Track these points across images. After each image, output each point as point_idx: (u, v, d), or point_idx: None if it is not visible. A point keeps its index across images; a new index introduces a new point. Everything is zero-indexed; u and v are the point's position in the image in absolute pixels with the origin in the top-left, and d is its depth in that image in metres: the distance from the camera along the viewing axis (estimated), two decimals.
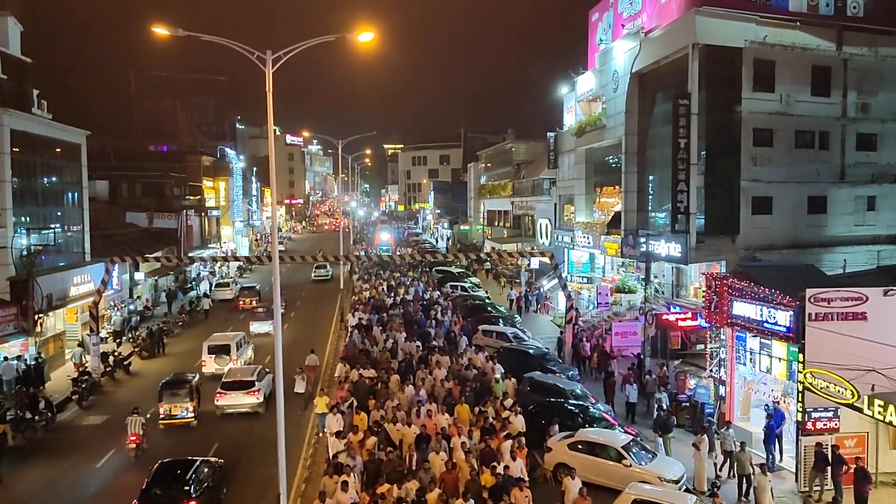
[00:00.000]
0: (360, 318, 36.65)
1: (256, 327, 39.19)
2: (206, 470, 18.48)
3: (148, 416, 24.45)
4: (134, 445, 22.20)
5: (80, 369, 30.20)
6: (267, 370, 27.46)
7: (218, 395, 25.88)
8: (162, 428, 24.67)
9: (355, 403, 22.74)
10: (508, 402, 23.28)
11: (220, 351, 30.90)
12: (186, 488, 17.20)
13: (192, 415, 25.07)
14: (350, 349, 30.33)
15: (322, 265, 58.73)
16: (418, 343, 31.42)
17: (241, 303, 48.76)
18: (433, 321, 37.12)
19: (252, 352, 33.64)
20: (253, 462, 21.71)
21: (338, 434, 19.83)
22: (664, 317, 29.72)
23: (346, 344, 31.92)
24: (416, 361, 28.38)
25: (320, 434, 22.78)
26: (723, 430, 21.09)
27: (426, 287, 49.33)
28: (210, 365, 30.60)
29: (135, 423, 22.39)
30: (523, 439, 19.97)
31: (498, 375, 26.49)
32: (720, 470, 20.76)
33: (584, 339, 33.24)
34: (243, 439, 23.93)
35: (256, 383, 26.14)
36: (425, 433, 20.00)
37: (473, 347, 31.16)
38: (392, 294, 46.82)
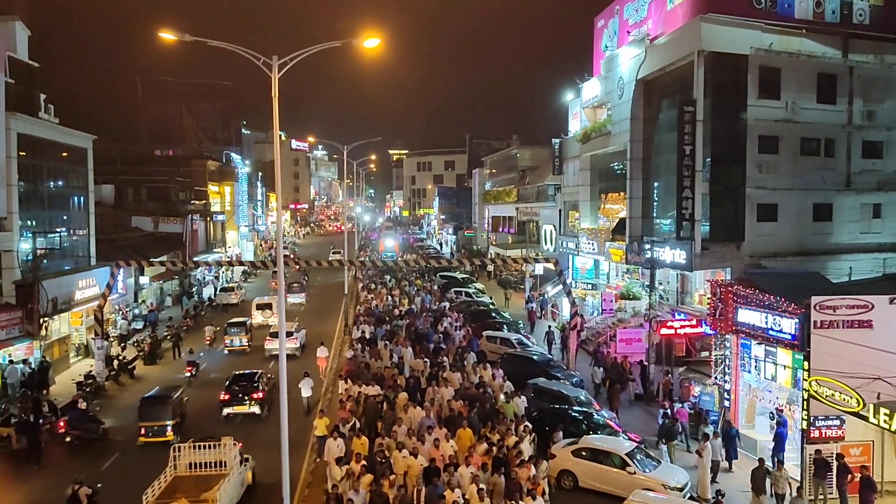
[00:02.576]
0: (363, 331, 34.83)
1: (291, 298, 48.23)
2: (264, 379, 27.17)
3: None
4: (209, 342, 37.79)
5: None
6: (302, 327, 38.50)
7: (267, 340, 35.62)
8: (227, 353, 36.44)
9: (358, 426, 21.10)
10: (525, 428, 20.65)
11: (265, 307, 42.75)
12: (255, 385, 26.35)
13: (247, 344, 37.01)
14: (353, 364, 28.69)
15: (337, 250, 69.03)
16: (426, 359, 28.89)
17: (273, 284, 52.96)
18: (441, 335, 34.71)
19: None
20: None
21: (338, 461, 18.19)
22: (662, 329, 29.34)
23: (349, 358, 30.37)
24: (424, 379, 26.18)
25: (318, 459, 21.34)
26: (774, 469, 19.11)
27: (432, 297, 47.12)
28: (257, 317, 42.09)
29: (210, 330, 38.52)
30: (545, 465, 18.87)
31: (503, 396, 24.21)
32: None
33: (596, 363, 31.22)
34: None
35: (295, 333, 36.04)
36: (433, 466, 17.92)
37: (486, 363, 28.74)
38: (397, 304, 44.65)
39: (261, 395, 25.91)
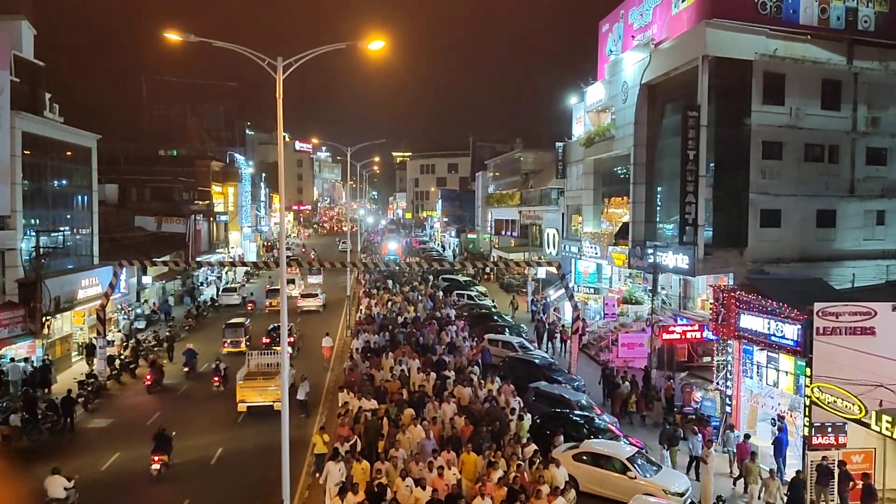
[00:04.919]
0: (366, 341, 33.05)
1: (311, 279, 58.94)
2: (293, 329, 36.92)
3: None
4: (268, 288, 51.53)
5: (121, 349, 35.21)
6: (324, 291, 51.65)
7: (298, 299, 49.21)
8: (267, 312, 47.64)
9: (359, 446, 19.61)
10: (537, 453, 19.06)
11: (289, 282, 51.03)
12: (289, 330, 29.66)
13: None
14: (353, 375, 27.04)
15: (345, 241, 72.27)
16: (432, 372, 26.84)
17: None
18: (446, 346, 32.46)
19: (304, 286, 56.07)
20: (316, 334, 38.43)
21: (340, 492, 16.53)
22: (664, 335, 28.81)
23: (348, 367, 28.78)
24: (429, 394, 24.42)
25: (317, 475, 19.86)
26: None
27: (435, 304, 45.04)
28: None
29: (269, 281, 53.54)
30: (573, 494, 16.93)
31: (514, 417, 22.12)
32: None
33: (615, 372, 29.10)
34: (309, 325, 42.94)
35: (320, 295, 50.25)
36: (436, 498, 16.31)
37: (495, 377, 26.50)
38: (402, 311, 42.16)
39: (292, 339, 34.84)
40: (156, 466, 20.75)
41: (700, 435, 21.74)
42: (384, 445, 20.03)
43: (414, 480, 16.75)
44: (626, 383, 27.63)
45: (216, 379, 30.00)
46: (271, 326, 36.73)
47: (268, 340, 35.08)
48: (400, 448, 18.92)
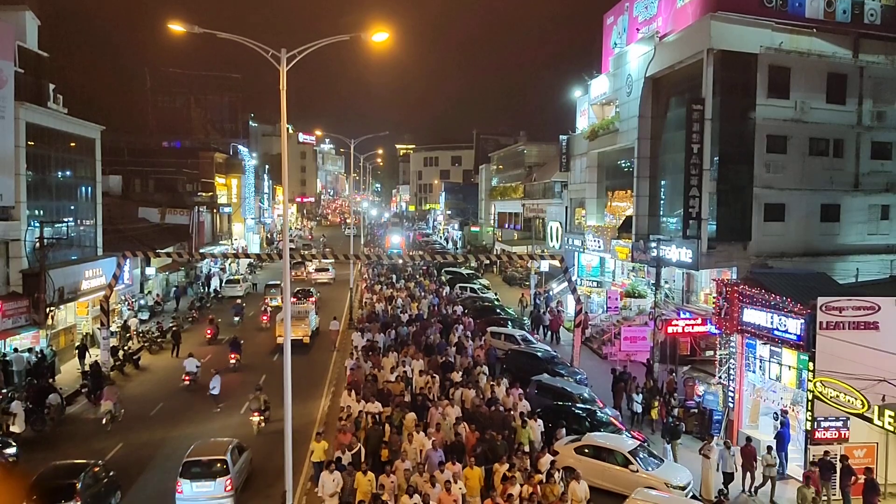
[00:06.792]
0: (368, 340, 32.02)
1: (324, 261, 62.05)
2: (313, 292, 47.94)
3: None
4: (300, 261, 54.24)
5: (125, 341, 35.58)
6: (334, 267, 59.88)
7: (313, 273, 59.33)
8: (291, 280, 48.14)
9: (363, 453, 18.71)
10: (553, 464, 17.73)
11: (299, 266, 59.65)
12: (310, 293, 46.77)
13: (303, 276, 60.14)
14: (356, 375, 25.95)
15: (349, 226, 79.15)
16: (435, 375, 25.67)
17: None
18: (453, 347, 31.25)
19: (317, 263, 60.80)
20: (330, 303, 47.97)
21: None
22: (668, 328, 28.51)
23: (351, 367, 27.34)
24: (433, 397, 23.63)
25: (315, 489, 18.37)
26: None
27: (441, 300, 44.08)
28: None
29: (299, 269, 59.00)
30: None
31: (519, 421, 20.89)
32: None
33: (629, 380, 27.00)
34: (323, 291, 52.96)
35: (330, 270, 59.81)
36: None
37: (502, 378, 25.77)
38: (406, 308, 40.93)
39: (314, 299, 45.08)
40: (232, 361, 31.46)
41: (733, 451, 20.18)
42: (387, 454, 19.47)
43: (421, 498, 15.72)
44: (641, 395, 25.85)
45: (265, 318, 41.42)
46: (297, 290, 47.16)
47: (294, 300, 43.17)
48: (406, 459, 17.86)
